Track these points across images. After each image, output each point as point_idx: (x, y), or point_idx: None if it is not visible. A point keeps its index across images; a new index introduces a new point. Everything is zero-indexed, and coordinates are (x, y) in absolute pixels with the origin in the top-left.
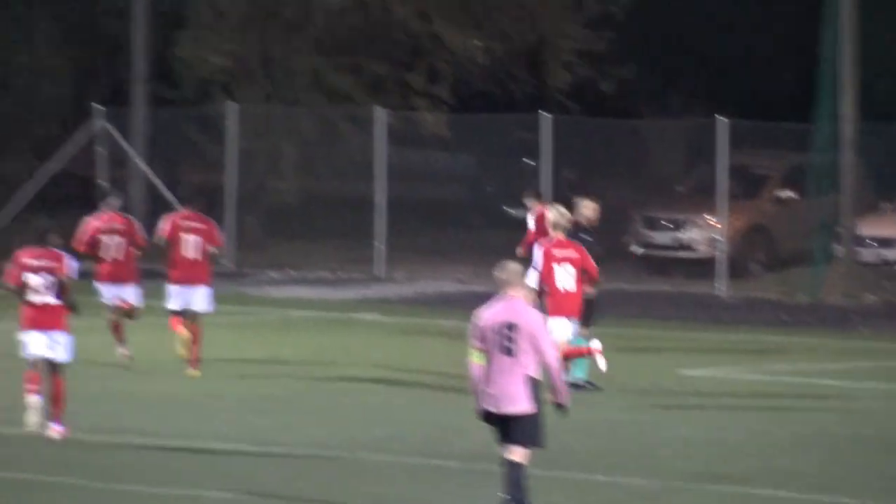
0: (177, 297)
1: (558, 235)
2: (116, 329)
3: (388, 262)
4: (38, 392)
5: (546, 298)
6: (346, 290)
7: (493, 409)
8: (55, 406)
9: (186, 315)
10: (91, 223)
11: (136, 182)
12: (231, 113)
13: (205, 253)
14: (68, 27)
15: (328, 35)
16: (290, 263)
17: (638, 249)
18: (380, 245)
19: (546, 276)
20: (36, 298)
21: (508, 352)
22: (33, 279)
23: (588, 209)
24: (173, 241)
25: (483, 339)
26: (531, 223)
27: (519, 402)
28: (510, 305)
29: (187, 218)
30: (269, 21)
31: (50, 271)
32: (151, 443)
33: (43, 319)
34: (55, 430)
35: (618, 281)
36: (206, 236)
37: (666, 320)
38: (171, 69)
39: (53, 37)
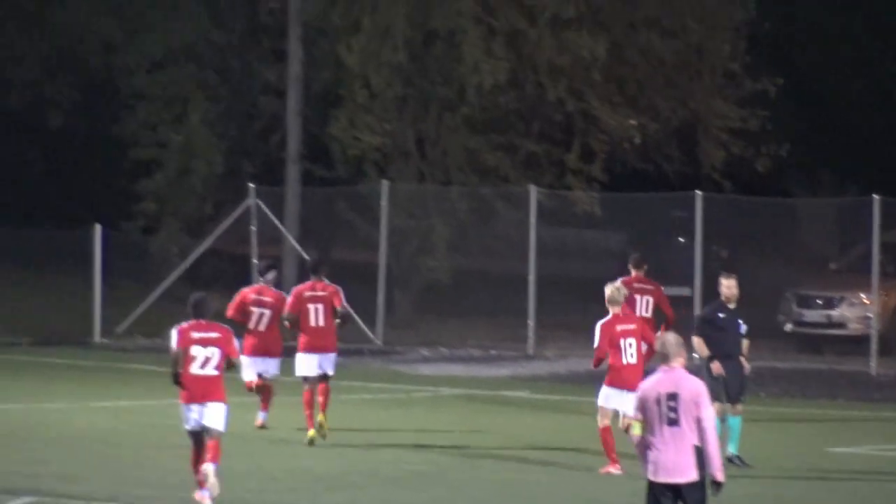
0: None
1: (615, 310)
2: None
3: (539, 340)
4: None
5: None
6: (496, 368)
7: (664, 481)
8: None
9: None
10: (244, 292)
11: (289, 260)
12: (384, 191)
13: (329, 319)
14: (223, 106)
15: (481, 114)
16: (442, 341)
17: (790, 327)
18: (531, 322)
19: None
20: (197, 370)
21: (673, 422)
22: (197, 351)
23: (722, 286)
24: (300, 313)
25: (644, 410)
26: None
27: (689, 472)
28: (671, 376)
29: (312, 288)
30: (422, 100)
31: (216, 344)
32: None
33: (202, 392)
34: (202, 497)
35: (770, 359)
36: (328, 302)
37: (816, 398)
38: (324, 148)
39: (208, 116)
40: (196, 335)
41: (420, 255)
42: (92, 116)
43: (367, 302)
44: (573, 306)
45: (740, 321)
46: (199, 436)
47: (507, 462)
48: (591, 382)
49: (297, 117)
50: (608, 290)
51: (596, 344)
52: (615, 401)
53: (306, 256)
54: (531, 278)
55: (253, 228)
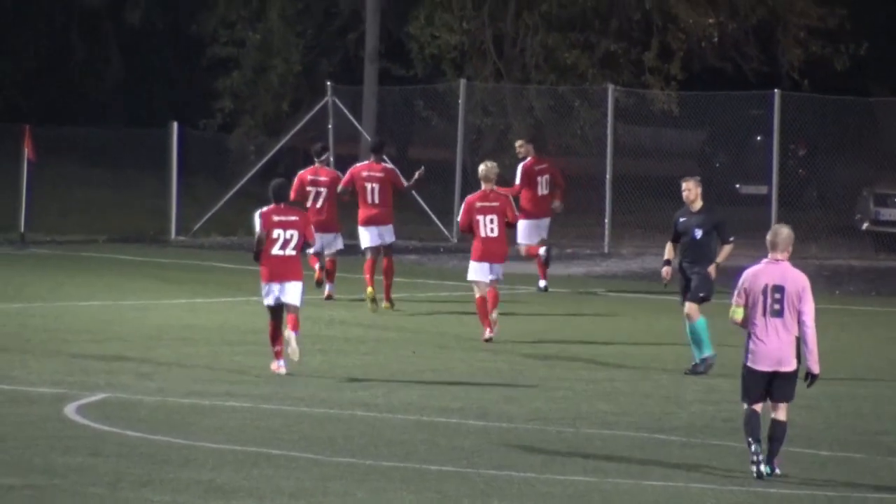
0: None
1: (485, 186)
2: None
3: (615, 238)
4: (279, 353)
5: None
6: (573, 266)
7: (766, 369)
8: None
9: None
10: (301, 174)
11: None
12: (461, 90)
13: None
14: (301, 4)
15: (560, 12)
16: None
17: (867, 225)
18: (607, 221)
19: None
20: (277, 251)
21: (777, 313)
22: (278, 233)
23: (682, 189)
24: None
25: (747, 298)
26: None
27: (788, 362)
28: (778, 268)
29: (368, 168)
30: None
31: (295, 226)
32: (378, 416)
33: (282, 271)
34: (278, 367)
35: (846, 257)
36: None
37: (892, 297)
38: (402, 46)
39: (286, 13)
40: (277, 218)
41: (498, 153)
42: (170, 14)
43: (444, 200)
44: (649, 205)
45: (698, 227)
46: (277, 311)
47: (582, 360)
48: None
49: (375, 15)
50: (481, 167)
51: (458, 217)
52: (480, 273)
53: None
54: (608, 177)
55: (330, 126)
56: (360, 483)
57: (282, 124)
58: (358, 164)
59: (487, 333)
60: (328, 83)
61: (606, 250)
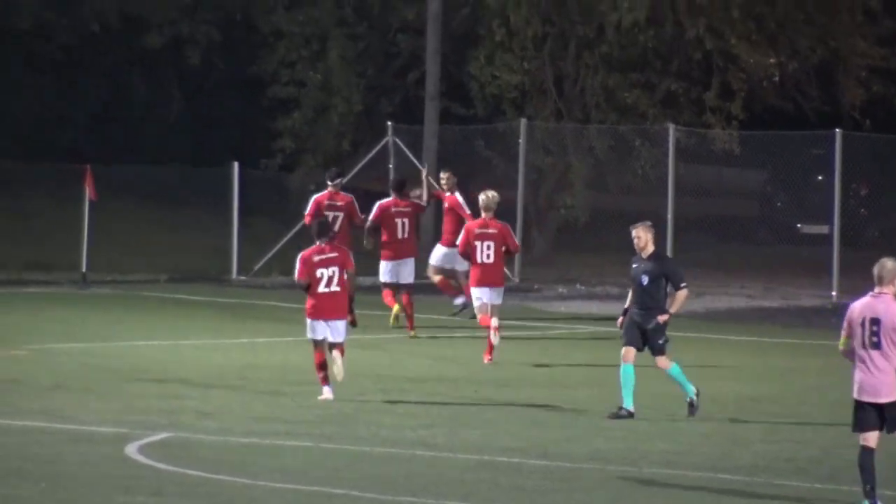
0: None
1: (485, 215)
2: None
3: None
4: (325, 380)
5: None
6: None
7: (867, 400)
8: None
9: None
10: (317, 198)
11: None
12: (522, 130)
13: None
14: (361, 44)
15: (620, 52)
16: (578, 278)
17: None
18: None
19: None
20: (323, 289)
21: (875, 345)
22: (321, 272)
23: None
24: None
25: (850, 330)
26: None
27: (889, 392)
28: (878, 301)
29: (395, 204)
30: (561, 38)
31: (335, 263)
32: (439, 455)
33: (327, 308)
34: (326, 396)
35: None
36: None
37: None
38: (462, 86)
39: (346, 54)
40: (318, 258)
41: (557, 193)
42: (230, 55)
43: None
44: (710, 244)
45: (645, 274)
46: (321, 343)
47: (643, 398)
48: (729, 320)
49: (435, 55)
50: (482, 197)
51: (459, 242)
52: (476, 293)
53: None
54: (669, 216)
55: (391, 166)
56: None
57: (342, 164)
58: (385, 200)
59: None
60: (388, 123)
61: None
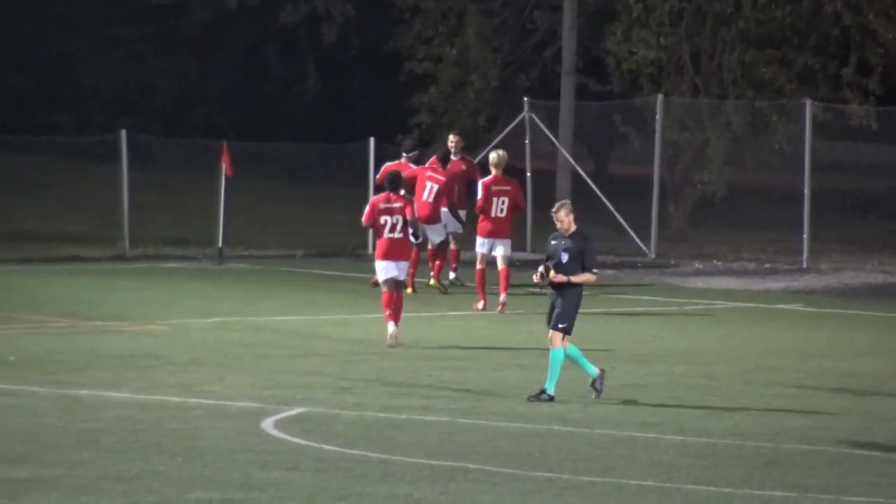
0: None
1: (495, 172)
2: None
3: (813, 253)
4: (391, 317)
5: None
6: (770, 281)
7: None
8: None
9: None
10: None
11: (563, 173)
12: (659, 105)
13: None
14: (498, 20)
15: (757, 27)
16: (715, 254)
17: None
18: (805, 236)
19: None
20: (388, 234)
21: None
22: (385, 219)
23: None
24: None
25: None
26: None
27: None
28: None
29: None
30: (698, 14)
31: (399, 212)
32: (575, 431)
33: (392, 251)
34: (391, 331)
35: None
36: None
37: None
38: (599, 62)
39: (483, 29)
40: (383, 206)
41: (694, 168)
42: (367, 30)
43: (641, 215)
44: (848, 219)
45: (565, 251)
46: (389, 283)
47: (781, 374)
48: (867, 296)
49: (572, 31)
50: (492, 155)
51: (479, 196)
52: (486, 247)
53: (580, 170)
54: (806, 192)
55: (527, 142)
56: (558, 498)
57: (478, 139)
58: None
59: (480, 305)
60: (525, 98)
61: (805, 265)
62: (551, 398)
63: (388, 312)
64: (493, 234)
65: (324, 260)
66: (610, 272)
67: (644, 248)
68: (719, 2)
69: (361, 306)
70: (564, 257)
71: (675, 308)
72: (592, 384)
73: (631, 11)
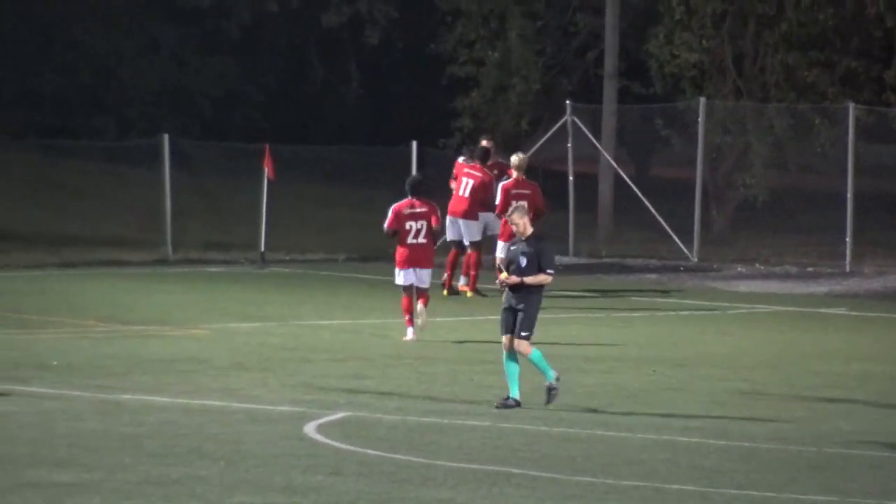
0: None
1: (516, 175)
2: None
3: (857, 257)
4: (411, 322)
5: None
6: (813, 285)
7: None
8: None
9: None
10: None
11: (605, 177)
12: (701, 108)
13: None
14: (540, 23)
15: (800, 30)
16: (758, 258)
17: None
18: (848, 239)
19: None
20: (411, 240)
21: None
22: (409, 225)
23: None
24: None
25: None
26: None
27: None
28: None
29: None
30: (740, 17)
31: (423, 217)
32: (617, 435)
33: (415, 258)
34: (410, 337)
35: None
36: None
37: None
38: (641, 65)
39: (525, 32)
40: (408, 211)
41: (737, 171)
42: (409, 34)
43: (683, 218)
44: (891, 223)
45: (523, 255)
46: (409, 288)
47: (823, 378)
48: None
49: (614, 34)
50: (514, 158)
51: (497, 200)
52: (501, 251)
53: (622, 173)
54: (849, 195)
55: (569, 145)
56: (600, 502)
57: (521, 143)
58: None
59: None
60: (567, 102)
61: (848, 269)
62: (555, 388)
63: (407, 318)
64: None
65: (366, 264)
66: (652, 276)
67: (686, 251)
68: (762, 4)
69: (401, 310)
70: (523, 261)
71: (717, 312)
72: (507, 401)
73: (673, 14)
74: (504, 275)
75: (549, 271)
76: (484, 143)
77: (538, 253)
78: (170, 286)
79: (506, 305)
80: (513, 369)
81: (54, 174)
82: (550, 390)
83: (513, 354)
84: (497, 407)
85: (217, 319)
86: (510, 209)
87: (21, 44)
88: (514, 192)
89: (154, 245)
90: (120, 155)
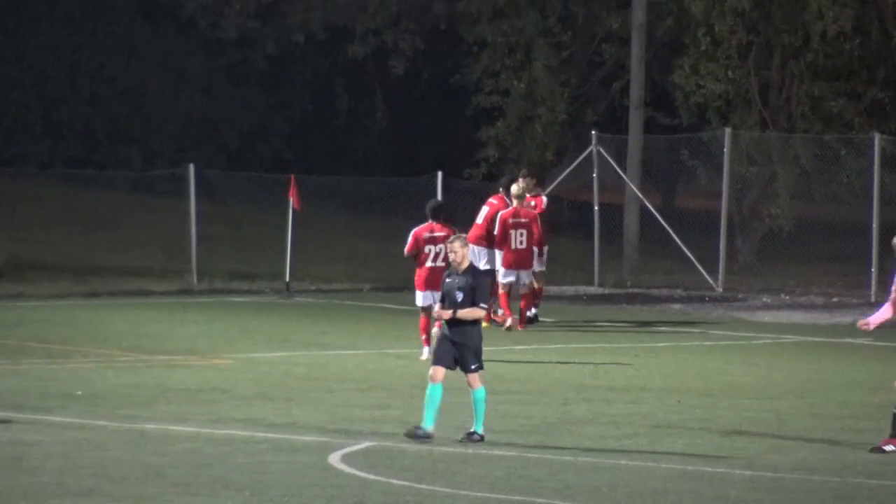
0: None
1: (515, 203)
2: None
3: (882, 287)
4: (427, 342)
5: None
6: (838, 315)
7: None
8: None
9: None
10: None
11: (630, 207)
12: (727, 139)
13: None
14: (566, 53)
15: (826, 61)
16: (783, 288)
17: None
18: (873, 270)
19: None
20: (430, 263)
21: None
22: (430, 248)
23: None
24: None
25: None
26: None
27: None
28: None
29: (430, 230)
30: (766, 47)
31: (443, 241)
32: (642, 465)
33: (435, 280)
34: (424, 354)
35: None
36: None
37: None
38: (667, 95)
39: (551, 63)
40: (427, 235)
41: (762, 202)
42: (434, 64)
43: (709, 249)
44: None
45: (460, 290)
46: (428, 309)
47: (848, 409)
48: None
49: (640, 64)
50: (513, 187)
51: (496, 231)
52: (510, 276)
53: (647, 204)
54: (874, 225)
55: (595, 175)
56: None
57: (546, 173)
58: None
59: (509, 322)
60: (593, 132)
61: (873, 299)
62: (482, 438)
63: (424, 337)
64: (516, 266)
65: (391, 294)
66: (677, 306)
67: (711, 281)
68: (788, 35)
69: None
70: (459, 295)
71: (742, 342)
72: (418, 430)
73: (699, 45)
74: (437, 308)
75: (481, 305)
76: (521, 179)
77: (473, 287)
78: (194, 316)
79: (445, 338)
80: (434, 401)
81: (80, 204)
82: (472, 436)
83: (438, 386)
84: (406, 435)
85: (242, 349)
86: (452, 238)
87: (49, 75)
88: (511, 221)
89: (179, 275)
90: (146, 185)
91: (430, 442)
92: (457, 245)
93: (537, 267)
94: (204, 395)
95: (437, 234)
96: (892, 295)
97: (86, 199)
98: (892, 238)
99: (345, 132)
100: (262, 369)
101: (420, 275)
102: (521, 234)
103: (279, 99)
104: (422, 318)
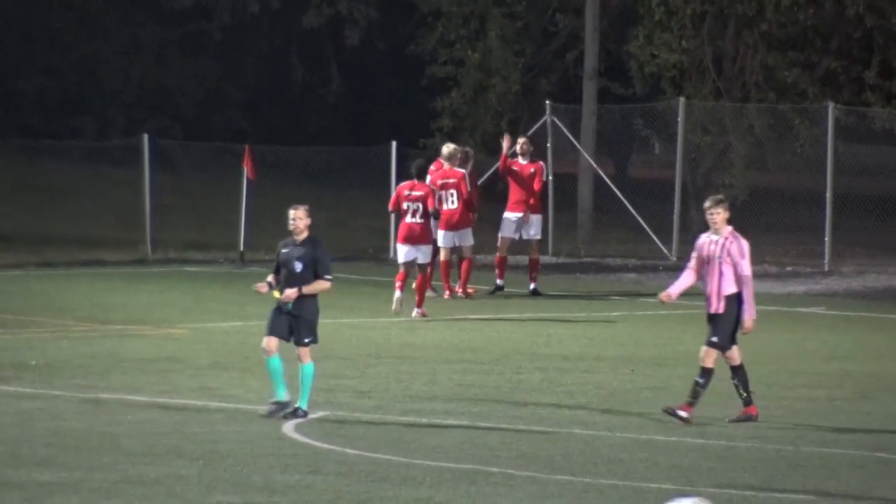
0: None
1: (446, 164)
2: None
3: (835, 256)
4: (401, 288)
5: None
6: (792, 284)
7: None
8: (418, 295)
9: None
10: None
11: (584, 177)
12: (681, 109)
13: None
14: (520, 23)
15: (780, 30)
16: None
17: None
18: (827, 239)
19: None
20: (409, 219)
21: None
22: (407, 205)
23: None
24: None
25: None
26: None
27: None
28: None
29: (411, 188)
30: (720, 17)
31: (419, 200)
32: (596, 434)
33: (413, 235)
34: (417, 314)
35: None
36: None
37: None
38: (621, 65)
39: (505, 33)
40: (407, 192)
41: (716, 171)
42: (389, 34)
43: (663, 218)
44: (870, 222)
45: (299, 260)
46: (409, 266)
47: (802, 378)
48: (889, 299)
49: (594, 34)
50: (444, 149)
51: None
52: (448, 240)
53: (602, 173)
54: (828, 195)
55: (549, 145)
56: (579, 501)
57: (499, 143)
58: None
59: (446, 294)
60: (547, 102)
61: (827, 269)
62: (305, 414)
63: (398, 284)
64: (449, 227)
65: (345, 263)
66: (632, 275)
67: (666, 251)
68: (741, 5)
69: (382, 310)
70: (298, 266)
71: (696, 311)
72: (272, 406)
73: (653, 15)
74: (276, 293)
75: (326, 277)
76: (520, 140)
77: (315, 258)
78: (149, 286)
79: (279, 307)
80: (277, 372)
81: (35, 174)
82: (297, 412)
83: (275, 358)
84: (265, 416)
85: (196, 319)
86: (295, 205)
87: (2, 45)
88: (440, 182)
89: (133, 245)
90: (100, 155)
91: (384, 411)
92: (301, 212)
93: (535, 235)
94: (158, 364)
95: (415, 192)
96: (692, 262)
97: (40, 169)
98: (844, 207)
99: (300, 102)
100: (217, 339)
101: (401, 229)
102: (451, 195)
103: (234, 69)
104: (400, 273)
